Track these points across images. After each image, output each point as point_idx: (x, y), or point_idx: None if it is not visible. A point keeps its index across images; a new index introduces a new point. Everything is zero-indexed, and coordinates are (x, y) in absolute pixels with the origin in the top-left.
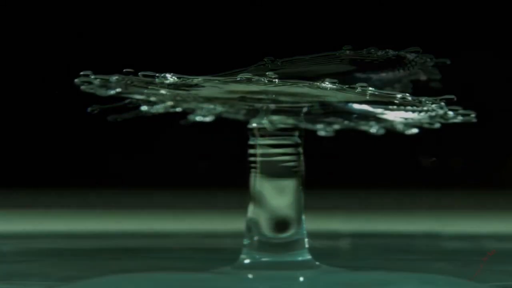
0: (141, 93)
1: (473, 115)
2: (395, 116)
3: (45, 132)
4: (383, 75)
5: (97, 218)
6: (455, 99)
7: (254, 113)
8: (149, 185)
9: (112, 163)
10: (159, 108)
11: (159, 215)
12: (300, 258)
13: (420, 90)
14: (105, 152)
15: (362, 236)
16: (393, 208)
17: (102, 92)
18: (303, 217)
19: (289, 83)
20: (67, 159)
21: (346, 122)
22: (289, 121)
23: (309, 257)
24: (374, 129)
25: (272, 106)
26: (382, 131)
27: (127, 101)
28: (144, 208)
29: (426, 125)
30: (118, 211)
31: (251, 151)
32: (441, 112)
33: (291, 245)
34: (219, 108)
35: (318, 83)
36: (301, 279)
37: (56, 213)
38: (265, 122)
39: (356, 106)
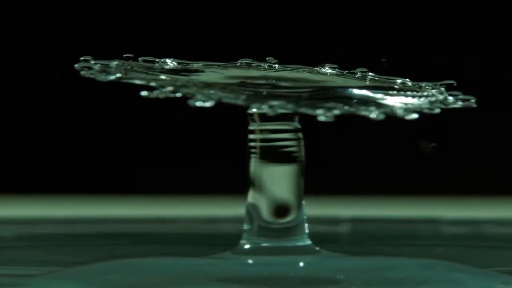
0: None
1: (473, 100)
2: (395, 101)
3: (42, 119)
4: None
5: (97, 203)
6: (455, 84)
7: (254, 98)
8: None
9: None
10: (158, 94)
11: (159, 200)
12: (300, 243)
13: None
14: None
15: (362, 221)
16: (393, 193)
17: (102, 77)
18: (303, 202)
19: (289, 68)
20: (67, 150)
21: (346, 107)
22: (289, 106)
23: (309, 242)
24: (374, 114)
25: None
26: (382, 117)
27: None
28: (144, 193)
29: (426, 111)
30: (118, 196)
31: (251, 136)
32: (441, 97)
33: (291, 230)
34: (219, 93)
35: (318, 68)
36: (301, 264)
37: (56, 198)
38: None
39: (356, 91)
